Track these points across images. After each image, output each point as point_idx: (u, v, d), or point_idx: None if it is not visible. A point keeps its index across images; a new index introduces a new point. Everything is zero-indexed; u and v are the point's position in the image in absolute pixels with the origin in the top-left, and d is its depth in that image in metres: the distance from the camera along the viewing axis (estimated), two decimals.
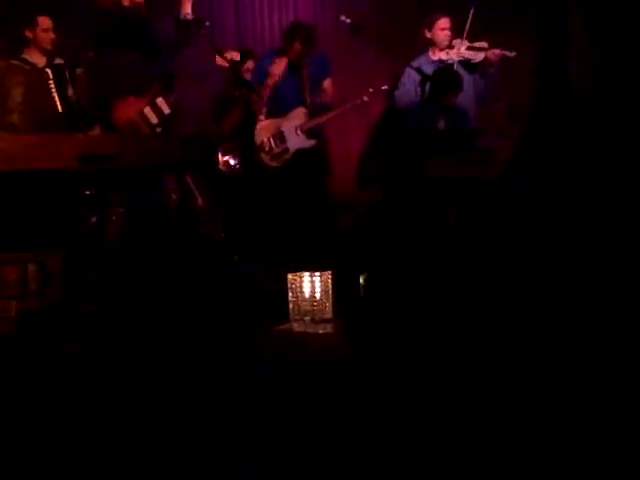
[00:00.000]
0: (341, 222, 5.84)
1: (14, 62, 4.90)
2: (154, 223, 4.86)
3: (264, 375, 2.92)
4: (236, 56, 5.71)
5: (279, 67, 5.74)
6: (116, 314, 3.93)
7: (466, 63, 5.70)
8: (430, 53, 5.80)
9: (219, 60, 5.61)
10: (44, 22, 4.97)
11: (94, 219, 4.94)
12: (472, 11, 5.58)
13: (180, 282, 4.32)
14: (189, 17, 5.22)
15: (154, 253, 4.59)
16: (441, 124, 5.54)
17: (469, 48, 5.68)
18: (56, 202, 4.60)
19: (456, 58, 5.68)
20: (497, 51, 5.60)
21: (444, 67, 5.65)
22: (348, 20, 5.54)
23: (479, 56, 5.65)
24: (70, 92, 4.98)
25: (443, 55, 5.74)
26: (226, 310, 3.95)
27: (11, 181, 4.15)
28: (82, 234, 4.75)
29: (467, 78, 5.64)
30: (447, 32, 5.73)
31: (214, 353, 3.29)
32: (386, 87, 5.73)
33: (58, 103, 4.92)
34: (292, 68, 5.78)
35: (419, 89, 5.59)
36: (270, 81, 5.75)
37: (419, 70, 5.60)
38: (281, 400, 2.76)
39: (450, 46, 5.73)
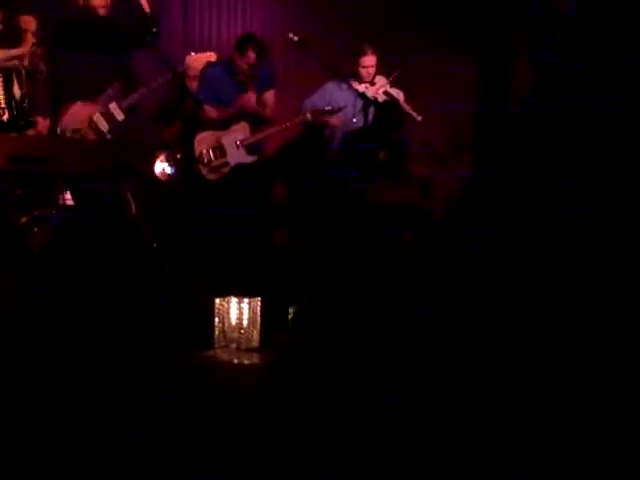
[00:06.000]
0: (277, 240, 5.78)
1: None
2: (85, 227, 4.76)
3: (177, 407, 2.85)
4: (212, 57, 5.59)
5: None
6: (35, 320, 3.82)
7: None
8: (352, 81, 5.82)
9: (195, 60, 5.48)
10: None
11: (24, 220, 4.83)
12: (397, 73, 5.70)
13: (106, 291, 4.23)
14: (147, 10, 5.13)
15: (82, 258, 4.50)
16: (382, 155, 5.57)
17: (386, 93, 5.73)
18: None
19: (371, 96, 5.71)
20: (407, 107, 5.66)
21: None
22: (296, 38, 5.50)
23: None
24: (16, 90, 4.88)
25: (362, 88, 5.76)
26: (149, 327, 3.86)
27: None
28: (10, 235, 4.64)
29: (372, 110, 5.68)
30: (369, 69, 5.78)
31: (128, 375, 3.20)
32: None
33: (2, 101, 4.83)
34: (238, 78, 5.67)
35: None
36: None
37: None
38: (192, 432, 2.69)
39: (372, 82, 5.78)
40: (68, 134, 5.10)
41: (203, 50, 6.03)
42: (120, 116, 5.18)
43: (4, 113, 4.92)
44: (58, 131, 5.12)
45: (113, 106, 5.17)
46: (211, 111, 5.70)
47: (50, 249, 4.71)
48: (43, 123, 5.14)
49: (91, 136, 5.14)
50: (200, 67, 5.62)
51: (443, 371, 3.28)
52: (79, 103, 5.18)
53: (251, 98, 5.65)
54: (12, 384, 3.07)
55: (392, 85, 5.75)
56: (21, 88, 4.96)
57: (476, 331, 3.73)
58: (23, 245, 4.69)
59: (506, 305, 4.08)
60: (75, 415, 2.78)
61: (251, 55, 5.54)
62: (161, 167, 5.67)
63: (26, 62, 4.97)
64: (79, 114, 5.15)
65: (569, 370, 3.26)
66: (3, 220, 4.68)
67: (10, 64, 4.90)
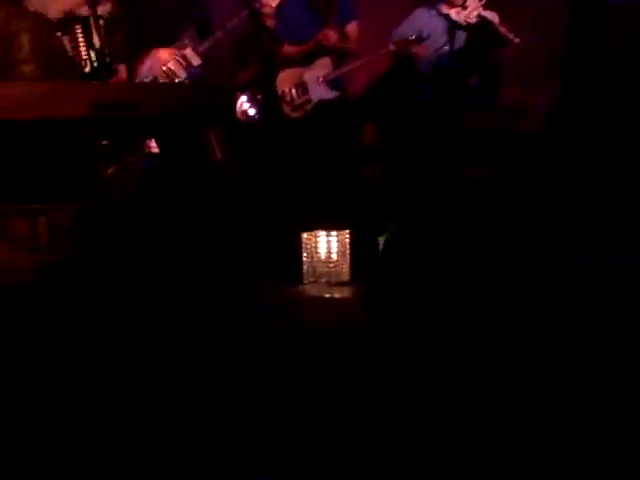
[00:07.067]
0: (367, 175, 5.67)
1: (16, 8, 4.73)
2: (172, 173, 4.74)
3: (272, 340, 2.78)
4: None
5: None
6: (129, 268, 3.81)
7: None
8: (442, 6, 5.63)
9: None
10: None
11: (111, 170, 4.85)
12: None
13: (197, 235, 4.20)
14: None
15: (173, 206, 4.49)
16: (474, 80, 5.38)
17: (479, 16, 5.51)
18: (71, 152, 4.49)
19: (463, 21, 5.52)
20: (503, 29, 5.43)
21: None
22: None
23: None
24: (95, 40, 4.84)
25: (453, 13, 5.56)
26: (241, 266, 3.81)
27: (24, 130, 4.03)
28: (98, 186, 4.65)
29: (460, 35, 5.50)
30: None
31: (222, 311, 3.16)
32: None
33: (83, 52, 4.80)
34: (315, 12, 5.56)
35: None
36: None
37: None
38: (290, 369, 2.61)
39: (464, 5, 5.53)
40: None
41: None
42: (197, 61, 5.13)
43: (86, 65, 4.89)
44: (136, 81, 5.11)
45: (189, 52, 5.13)
46: (290, 48, 5.60)
47: (138, 198, 4.71)
48: (123, 70, 5.12)
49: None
50: (275, 4, 5.48)
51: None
52: (155, 51, 5.15)
53: (328, 34, 5.51)
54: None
55: (485, 8, 5.50)
56: (100, 37, 4.92)
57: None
58: (111, 195, 4.70)
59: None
60: (168, 344, 2.76)
61: None
62: (243, 109, 5.62)
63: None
64: (155, 62, 5.13)
65: None
66: (91, 171, 4.69)
67: (84, 12, 4.83)
